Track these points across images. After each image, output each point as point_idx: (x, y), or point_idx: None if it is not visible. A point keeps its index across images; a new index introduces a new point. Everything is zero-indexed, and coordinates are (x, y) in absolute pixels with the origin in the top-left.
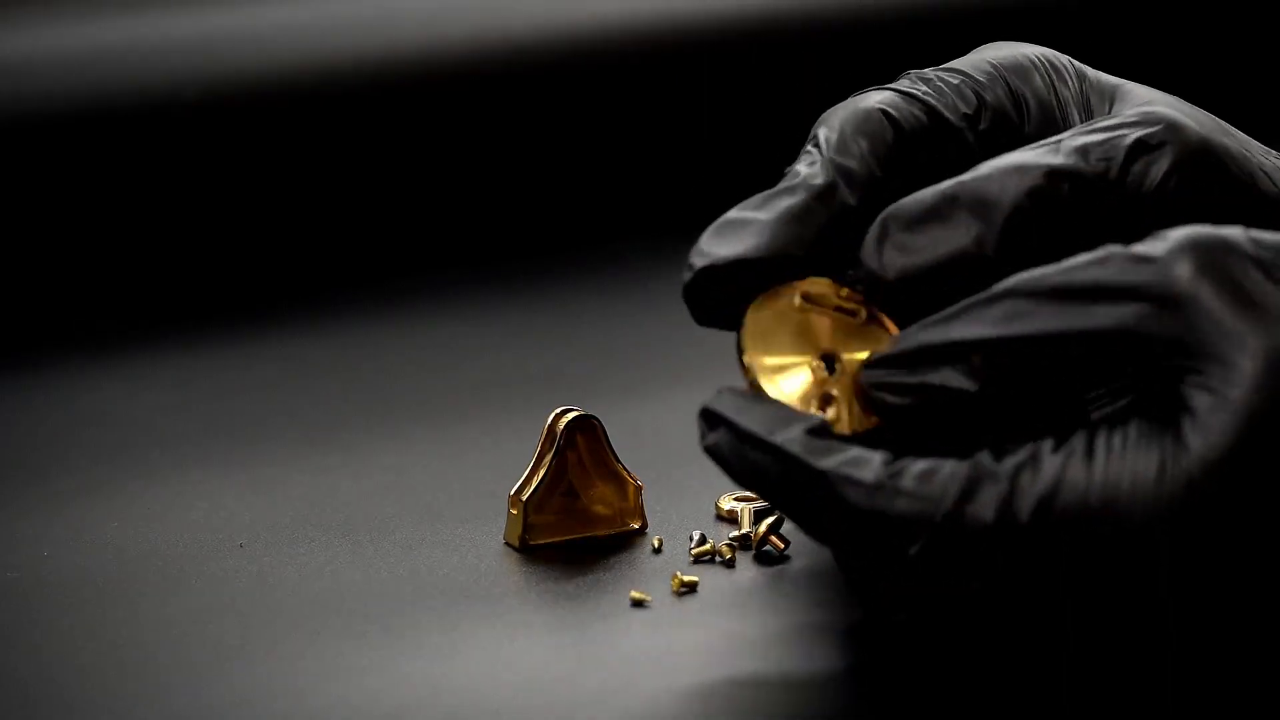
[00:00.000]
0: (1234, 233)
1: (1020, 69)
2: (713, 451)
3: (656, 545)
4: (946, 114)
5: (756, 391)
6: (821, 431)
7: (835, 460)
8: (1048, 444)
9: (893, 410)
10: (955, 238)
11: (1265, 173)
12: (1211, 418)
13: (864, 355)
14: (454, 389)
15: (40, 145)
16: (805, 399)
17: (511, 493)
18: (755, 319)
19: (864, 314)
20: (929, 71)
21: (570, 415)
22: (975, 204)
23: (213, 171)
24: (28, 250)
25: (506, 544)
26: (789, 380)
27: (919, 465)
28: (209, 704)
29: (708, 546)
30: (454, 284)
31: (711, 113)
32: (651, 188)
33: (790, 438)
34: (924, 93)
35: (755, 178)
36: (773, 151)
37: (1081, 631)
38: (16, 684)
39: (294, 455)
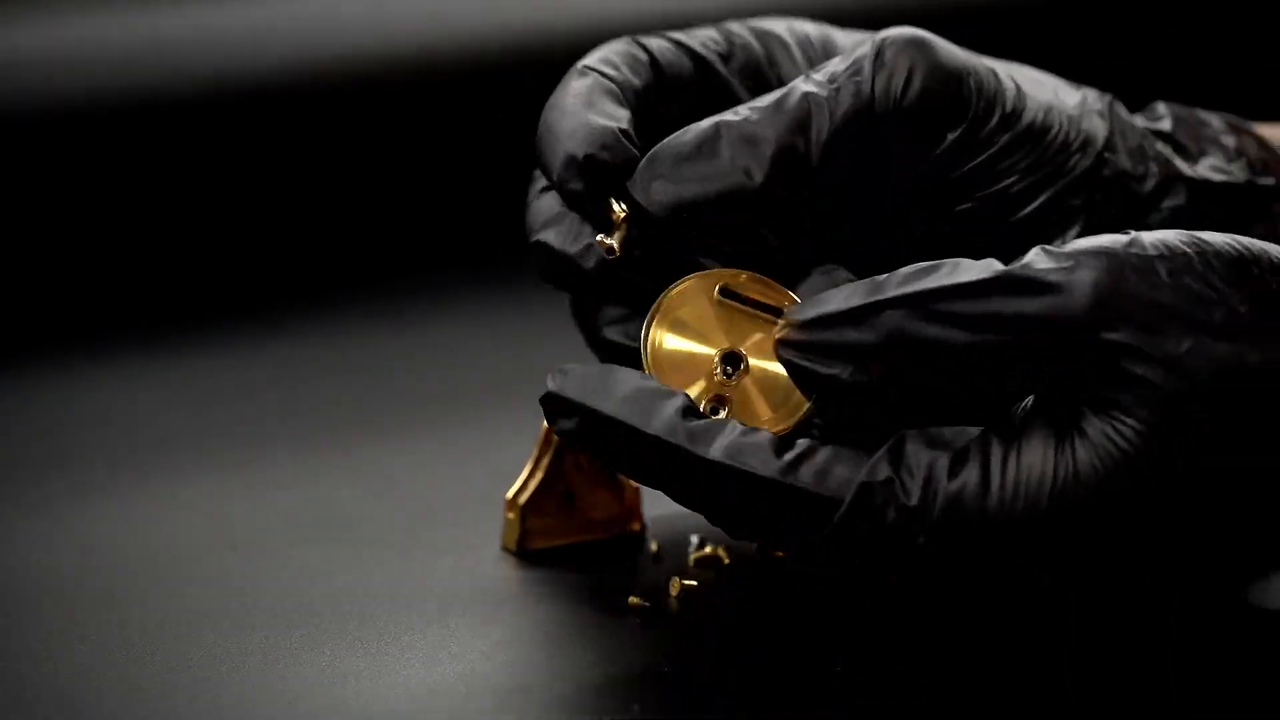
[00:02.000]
0: (1137, 249)
1: (766, 31)
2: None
3: (655, 550)
4: (699, 49)
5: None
6: (691, 410)
7: (722, 447)
8: (942, 459)
9: (806, 380)
10: (723, 171)
11: (984, 71)
12: (1101, 453)
13: (769, 363)
14: (452, 391)
15: (39, 144)
16: (697, 398)
17: (508, 496)
18: (668, 305)
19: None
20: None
21: None
22: (740, 139)
23: (211, 171)
24: (27, 250)
25: (504, 548)
26: (684, 375)
27: (816, 460)
28: (202, 707)
29: (708, 551)
30: (453, 284)
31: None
32: None
33: (667, 426)
34: (677, 39)
35: None
36: None
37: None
38: (11, 684)
39: (290, 457)
